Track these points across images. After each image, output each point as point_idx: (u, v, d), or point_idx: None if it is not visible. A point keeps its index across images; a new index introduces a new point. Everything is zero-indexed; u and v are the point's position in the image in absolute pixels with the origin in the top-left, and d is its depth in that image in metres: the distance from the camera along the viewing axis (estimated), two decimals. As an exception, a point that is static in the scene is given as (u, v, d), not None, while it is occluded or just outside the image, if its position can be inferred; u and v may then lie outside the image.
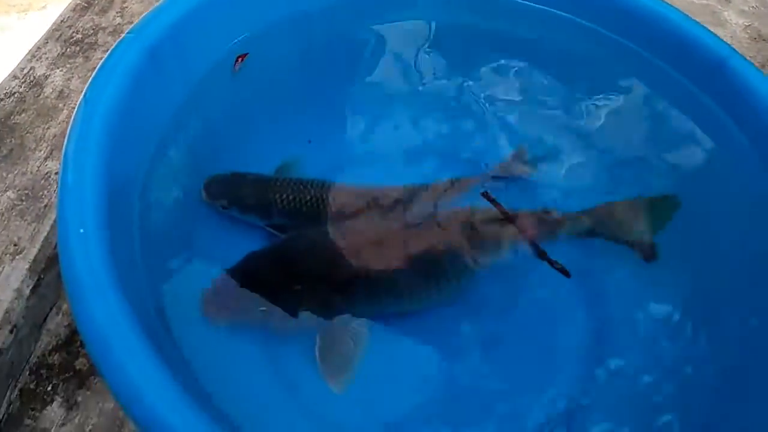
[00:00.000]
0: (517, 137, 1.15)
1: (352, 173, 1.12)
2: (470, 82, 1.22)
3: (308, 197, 0.98)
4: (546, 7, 1.08)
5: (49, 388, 0.86)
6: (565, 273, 0.88)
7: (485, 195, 0.96)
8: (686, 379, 0.81)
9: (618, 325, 0.89)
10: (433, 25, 1.22)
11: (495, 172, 1.08)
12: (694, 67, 0.95)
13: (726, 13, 1.71)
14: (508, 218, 0.91)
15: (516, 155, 1.10)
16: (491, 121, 1.18)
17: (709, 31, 0.98)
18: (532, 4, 1.11)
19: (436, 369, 0.85)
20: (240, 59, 1.06)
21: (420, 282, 0.90)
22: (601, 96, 1.12)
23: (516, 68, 1.20)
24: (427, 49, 1.23)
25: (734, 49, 0.96)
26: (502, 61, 1.21)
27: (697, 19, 1.67)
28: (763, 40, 1.64)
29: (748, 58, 1.46)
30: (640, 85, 1.07)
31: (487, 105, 1.18)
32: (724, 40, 1.60)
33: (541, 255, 0.90)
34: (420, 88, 1.22)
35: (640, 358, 0.85)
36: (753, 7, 1.74)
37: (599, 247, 0.96)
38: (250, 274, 0.84)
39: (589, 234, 0.95)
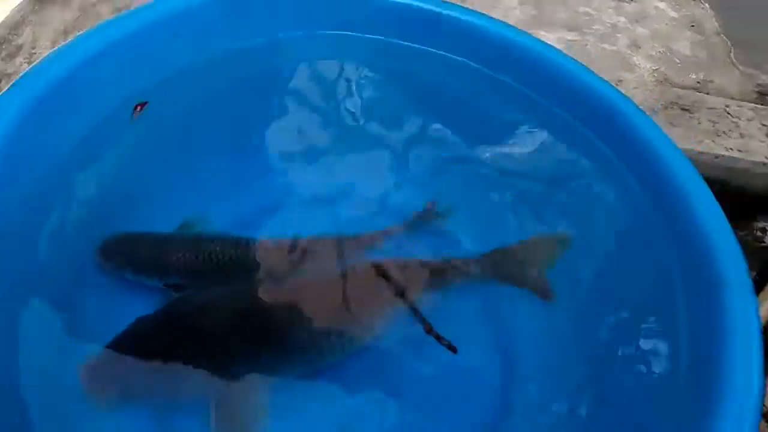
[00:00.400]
0: (428, 187, 1.15)
1: (261, 225, 1.09)
2: (383, 130, 1.21)
3: (207, 254, 0.94)
4: (448, 54, 1.09)
5: None
6: (452, 349, 0.87)
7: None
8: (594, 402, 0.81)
9: (524, 360, 0.89)
10: (346, 69, 1.22)
11: (407, 224, 1.07)
12: (589, 115, 0.98)
13: (635, 58, 1.77)
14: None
15: (427, 208, 1.10)
16: (404, 170, 1.18)
17: (604, 80, 1.01)
18: (440, 52, 1.12)
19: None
20: (139, 108, 1.02)
21: (323, 339, 0.87)
22: (506, 142, 1.14)
23: (426, 116, 1.21)
24: (340, 96, 1.22)
25: (627, 98, 0.99)
26: (413, 107, 1.22)
27: (608, 64, 1.74)
28: (669, 83, 1.71)
29: (653, 100, 1.52)
30: (542, 131, 1.09)
31: (397, 151, 1.18)
32: (633, 83, 1.67)
33: (428, 330, 0.88)
34: (331, 135, 1.21)
35: (547, 388, 0.85)
36: (660, 52, 1.81)
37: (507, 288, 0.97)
38: (137, 341, 0.79)
39: (488, 277, 0.95)
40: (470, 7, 1.64)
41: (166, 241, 0.95)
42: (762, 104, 1.75)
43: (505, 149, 1.11)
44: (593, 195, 0.98)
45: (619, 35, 1.84)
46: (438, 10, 1.02)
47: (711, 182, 1.37)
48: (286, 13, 1.05)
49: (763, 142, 1.37)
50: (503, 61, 1.04)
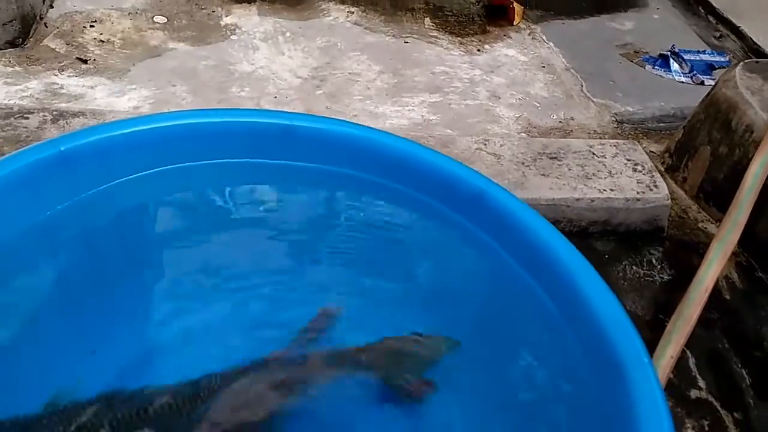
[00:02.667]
0: (321, 295, 1.08)
1: (149, 376, 0.97)
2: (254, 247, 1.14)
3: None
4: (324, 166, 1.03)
5: None
6: None
7: None
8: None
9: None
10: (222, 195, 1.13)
11: (304, 336, 0.99)
12: (457, 201, 0.95)
13: (498, 108, 1.81)
14: None
15: (322, 313, 1.03)
16: (291, 286, 1.11)
17: (467, 167, 1.00)
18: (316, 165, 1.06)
19: None
20: None
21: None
22: (388, 239, 1.10)
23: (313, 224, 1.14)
24: (219, 223, 1.13)
25: (490, 180, 0.98)
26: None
27: (474, 119, 1.77)
28: (534, 127, 1.76)
29: (521, 155, 1.54)
30: (419, 224, 1.05)
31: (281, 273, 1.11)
32: (500, 134, 1.70)
33: None
34: (214, 264, 1.12)
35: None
36: (519, 99, 1.87)
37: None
38: None
39: (369, 368, 0.90)
40: (332, 85, 1.63)
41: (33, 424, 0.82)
42: (620, 132, 1.84)
43: (388, 245, 1.07)
44: (476, 285, 0.96)
45: (478, 89, 1.88)
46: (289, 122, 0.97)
47: (593, 223, 1.41)
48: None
49: (630, 177, 1.41)
50: (368, 163, 1.00)
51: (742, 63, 1.61)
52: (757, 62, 1.63)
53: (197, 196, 1.09)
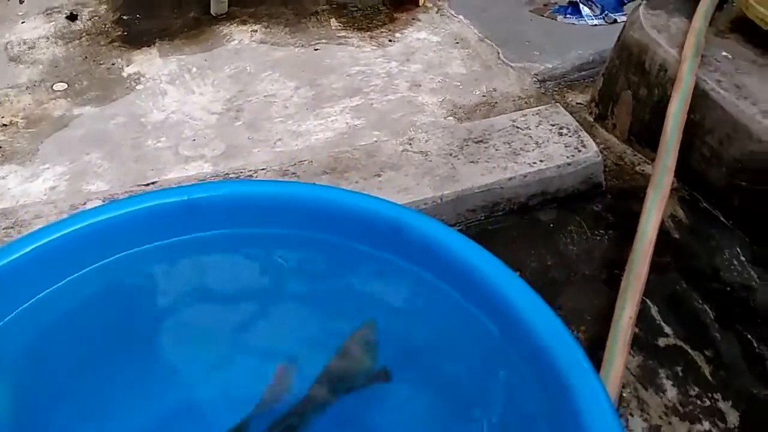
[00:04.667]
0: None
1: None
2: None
3: None
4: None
5: None
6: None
7: None
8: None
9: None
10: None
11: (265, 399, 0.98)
12: (376, 236, 0.92)
13: (420, 97, 1.80)
14: None
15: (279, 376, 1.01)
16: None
17: (379, 199, 0.96)
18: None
19: None
20: None
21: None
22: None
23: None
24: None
25: (404, 208, 0.94)
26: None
27: (399, 114, 1.75)
28: (459, 108, 1.75)
29: (446, 146, 1.53)
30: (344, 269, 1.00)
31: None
32: (425, 126, 1.68)
33: None
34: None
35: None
36: (439, 82, 1.86)
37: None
38: None
39: (335, 393, 0.90)
40: (249, 113, 1.59)
41: None
42: (544, 92, 1.84)
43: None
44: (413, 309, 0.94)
45: (397, 81, 1.86)
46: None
47: (531, 197, 1.41)
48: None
49: (558, 143, 1.42)
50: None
51: (644, 1, 1.61)
52: (657, -4, 1.63)
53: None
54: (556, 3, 2.18)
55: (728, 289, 1.24)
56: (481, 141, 1.43)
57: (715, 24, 1.52)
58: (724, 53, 1.45)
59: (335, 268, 0.93)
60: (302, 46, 2.00)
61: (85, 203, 1.25)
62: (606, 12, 2.11)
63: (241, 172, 1.36)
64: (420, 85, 1.84)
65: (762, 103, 1.30)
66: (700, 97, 1.36)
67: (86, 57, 1.92)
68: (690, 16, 1.54)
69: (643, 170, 1.53)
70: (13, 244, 0.83)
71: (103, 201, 1.24)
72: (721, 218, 1.37)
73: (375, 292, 0.93)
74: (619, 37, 1.62)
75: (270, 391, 0.95)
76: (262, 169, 1.37)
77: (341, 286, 0.94)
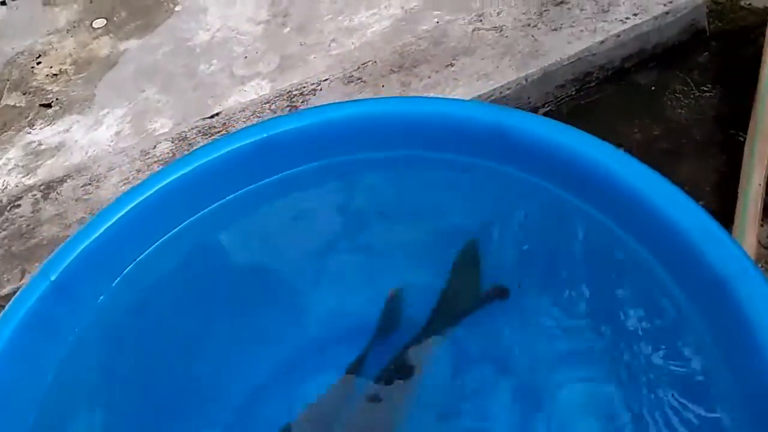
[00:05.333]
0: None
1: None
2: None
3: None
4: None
5: None
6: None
7: None
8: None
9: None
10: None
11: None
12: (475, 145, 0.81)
13: None
14: None
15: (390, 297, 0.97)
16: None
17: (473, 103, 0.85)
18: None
19: None
20: None
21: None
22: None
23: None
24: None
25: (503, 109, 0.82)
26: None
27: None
28: None
29: (532, 13, 1.35)
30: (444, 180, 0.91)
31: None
32: None
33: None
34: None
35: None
36: None
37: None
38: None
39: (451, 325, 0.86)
40: (297, 15, 1.45)
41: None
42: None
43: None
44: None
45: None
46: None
47: (628, 58, 1.25)
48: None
49: (650, -9, 1.23)
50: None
51: None
52: None
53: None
54: None
55: None
56: (562, 2, 1.27)
57: None
58: None
59: (433, 186, 0.86)
60: (338, -73, 1.80)
61: (155, 147, 1.20)
62: None
63: (304, 87, 1.27)
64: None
65: None
66: None
67: (117, -16, 1.81)
68: None
69: (749, 3, 1.33)
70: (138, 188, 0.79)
71: (173, 142, 1.19)
72: None
73: (479, 206, 0.85)
74: None
75: (384, 318, 0.91)
76: (325, 80, 1.28)
77: (443, 203, 0.87)
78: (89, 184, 1.17)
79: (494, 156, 0.78)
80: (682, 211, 0.65)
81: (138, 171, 1.18)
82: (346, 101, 0.88)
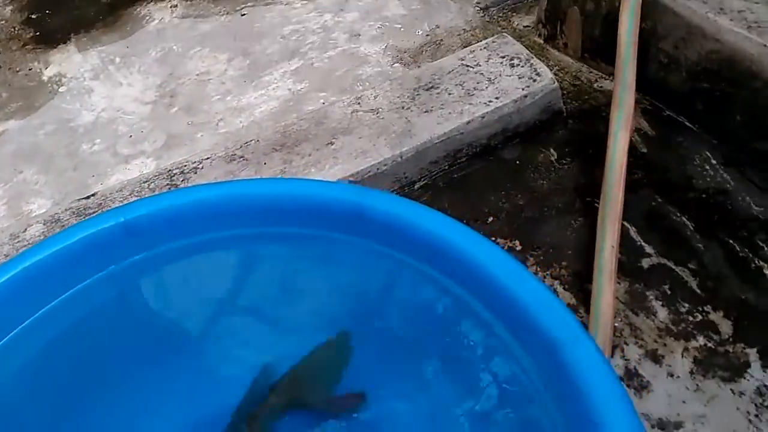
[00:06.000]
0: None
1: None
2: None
3: None
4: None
5: None
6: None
7: None
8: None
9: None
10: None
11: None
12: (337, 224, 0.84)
13: (361, 48, 1.71)
14: None
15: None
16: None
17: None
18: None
19: None
20: None
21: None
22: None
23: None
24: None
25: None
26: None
27: (342, 69, 1.66)
28: (404, 52, 1.67)
29: (398, 99, 1.45)
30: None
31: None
32: (372, 75, 1.57)
33: None
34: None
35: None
36: (379, 27, 1.76)
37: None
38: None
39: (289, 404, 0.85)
40: (184, 96, 1.48)
41: None
42: (489, 20, 1.76)
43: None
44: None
45: (334, 34, 1.77)
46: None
47: (493, 136, 1.35)
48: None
49: (510, 75, 1.36)
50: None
51: None
52: None
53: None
54: None
55: (704, 196, 1.21)
56: (432, 87, 1.37)
57: None
58: (666, -50, 1.38)
59: (306, 262, 0.88)
60: (228, 13, 1.88)
61: (25, 230, 1.17)
62: None
63: (185, 165, 1.29)
64: (359, 35, 1.75)
65: (713, 0, 1.25)
66: (649, 5, 1.30)
67: (0, 67, 1.78)
68: None
69: (601, 87, 1.48)
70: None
71: (45, 224, 1.16)
72: (687, 123, 1.34)
73: (352, 284, 0.88)
74: (556, -50, 1.54)
75: (252, 388, 0.90)
76: (207, 159, 1.29)
77: (316, 282, 0.89)
78: (-51, 270, 1.11)
79: (355, 231, 0.82)
80: (521, 282, 0.70)
81: (6, 256, 1.13)
82: (220, 182, 0.90)
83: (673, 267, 1.12)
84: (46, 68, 1.76)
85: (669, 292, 1.09)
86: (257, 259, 0.91)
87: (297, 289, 0.91)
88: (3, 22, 1.95)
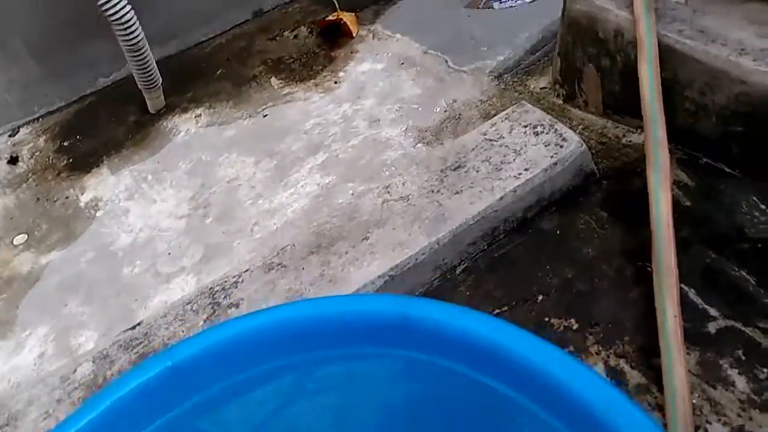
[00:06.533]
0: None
1: None
2: None
3: None
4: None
5: None
6: None
7: None
8: None
9: None
10: None
11: None
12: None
13: (383, 132, 1.71)
14: None
15: None
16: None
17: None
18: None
19: None
20: None
21: None
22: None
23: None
24: None
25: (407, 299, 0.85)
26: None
27: (367, 157, 1.66)
28: (425, 131, 1.66)
29: (425, 182, 1.43)
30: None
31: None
32: (397, 158, 1.56)
33: None
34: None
35: None
36: (398, 110, 1.77)
37: None
38: None
39: None
40: (217, 205, 1.47)
41: None
42: (504, 87, 1.75)
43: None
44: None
45: (355, 122, 1.77)
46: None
47: (528, 208, 1.31)
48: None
49: (536, 145, 1.33)
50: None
51: (574, -32, 1.52)
52: (587, -41, 1.54)
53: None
54: (487, -10, 2.10)
55: (759, 245, 1.15)
56: (459, 166, 1.34)
57: (655, -30, 1.43)
58: (675, -1, 1.36)
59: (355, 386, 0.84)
60: (250, 116, 1.91)
61: (75, 371, 1.16)
62: (539, -17, 2.02)
63: (225, 281, 1.27)
64: (379, 120, 1.75)
65: (731, 41, 1.21)
66: (667, 54, 1.27)
67: (38, 198, 1.83)
68: (627, -31, 1.44)
69: (630, 141, 1.44)
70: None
71: (93, 362, 1.15)
72: (726, 169, 1.28)
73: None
74: (563, 13, 1.53)
75: None
76: (246, 271, 1.28)
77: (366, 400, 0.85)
78: (6, 425, 1.10)
79: (401, 345, 0.78)
80: (587, 384, 0.65)
81: (58, 401, 1.12)
82: (260, 311, 0.88)
83: (743, 328, 1.05)
84: (82, 194, 1.80)
85: (744, 358, 1.01)
86: (307, 386, 0.87)
87: (355, 410, 0.87)
88: (38, 153, 2.01)
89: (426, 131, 1.66)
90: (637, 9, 1.31)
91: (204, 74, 2.12)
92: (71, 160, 1.94)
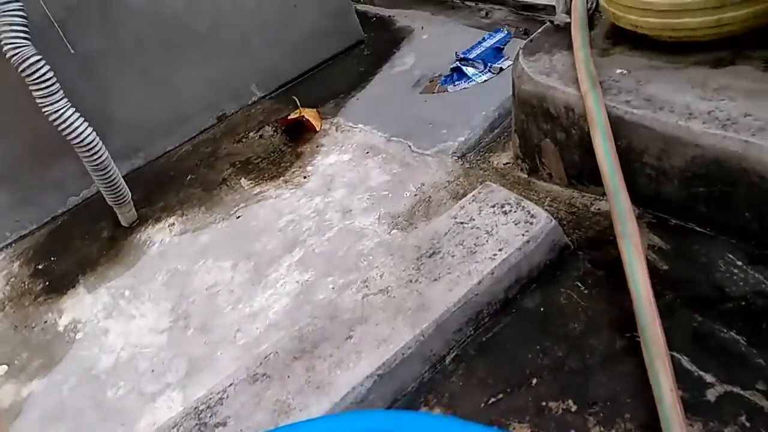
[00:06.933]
0: None
1: None
2: None
3: None
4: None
5: None
6: None
7: None
8: None
9: None
10: None
11: None
12: None
13: (356, 222, 1.68)
14: None
15: None
16: None
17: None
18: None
19: None
20: None
21: None
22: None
23: None
24: None
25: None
26: None
27: (344, 249, 1.62)
28: (397, 217, 1.64)
29: (404, 269, 1.39)
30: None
31: None
32: (373, 247, 1.48)
33: None
34: None
35: None
36: (369, 198, 1.74)
37: None
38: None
39: None
40: (197, 315, 1.40)
41: None
42: (469, 166, 1.75)
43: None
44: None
45: (328, 215, 1.75)
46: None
47: (508, 288, 1.26)
48: None
49: (506, 224, 1.31)
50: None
51: (519, 51, 1.56)
52: (531, 41, 1.58)
53: None
54: (440, 75, 2.14)
55: (743, 303, 1.12)
56: (434, 253, 1.31)
57: (595, 45, 1.47)
58: (618, 70, 1.38)
59: None
60: (223, 219, 1.88)
61: None
62: (489, 64, 2.07)
63: (210, 398, 1.20)
64: (351, 210, 1.73)
65: (678, 106, 1.23)
66: (618, 124, 1.28)
67: (16, 326, 1.75)
68: (568, 47, 1.48)
69: (599, 209, 1.43)
70: None
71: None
72: (698, 228, 1.27)
73: None
74: (513, 94, 1.55)
75: None
76: (230, 385, 1.21)
77: None
78: None
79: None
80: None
81: None
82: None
83: (741, 392, 1.00)
84: (60, 317, 1.73)
85: (748, 424, 0.96)
86: None
87: None
88: (13, 279, 1.94)
89: (398, 217, 1.64)
90: (582, 85, 1.32)
91: (174, 182, 2.09)
92: (47, 283, 1.87)
